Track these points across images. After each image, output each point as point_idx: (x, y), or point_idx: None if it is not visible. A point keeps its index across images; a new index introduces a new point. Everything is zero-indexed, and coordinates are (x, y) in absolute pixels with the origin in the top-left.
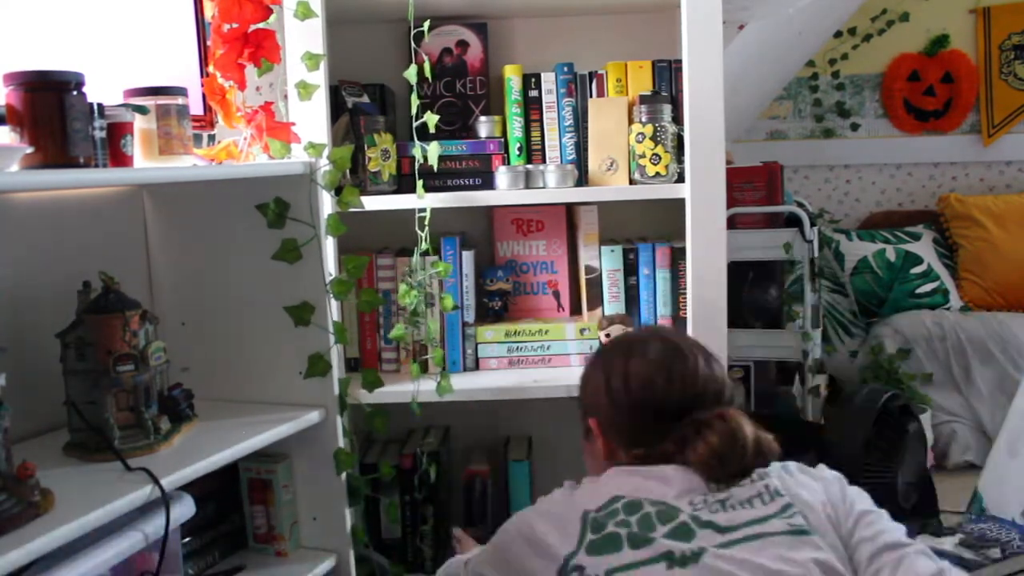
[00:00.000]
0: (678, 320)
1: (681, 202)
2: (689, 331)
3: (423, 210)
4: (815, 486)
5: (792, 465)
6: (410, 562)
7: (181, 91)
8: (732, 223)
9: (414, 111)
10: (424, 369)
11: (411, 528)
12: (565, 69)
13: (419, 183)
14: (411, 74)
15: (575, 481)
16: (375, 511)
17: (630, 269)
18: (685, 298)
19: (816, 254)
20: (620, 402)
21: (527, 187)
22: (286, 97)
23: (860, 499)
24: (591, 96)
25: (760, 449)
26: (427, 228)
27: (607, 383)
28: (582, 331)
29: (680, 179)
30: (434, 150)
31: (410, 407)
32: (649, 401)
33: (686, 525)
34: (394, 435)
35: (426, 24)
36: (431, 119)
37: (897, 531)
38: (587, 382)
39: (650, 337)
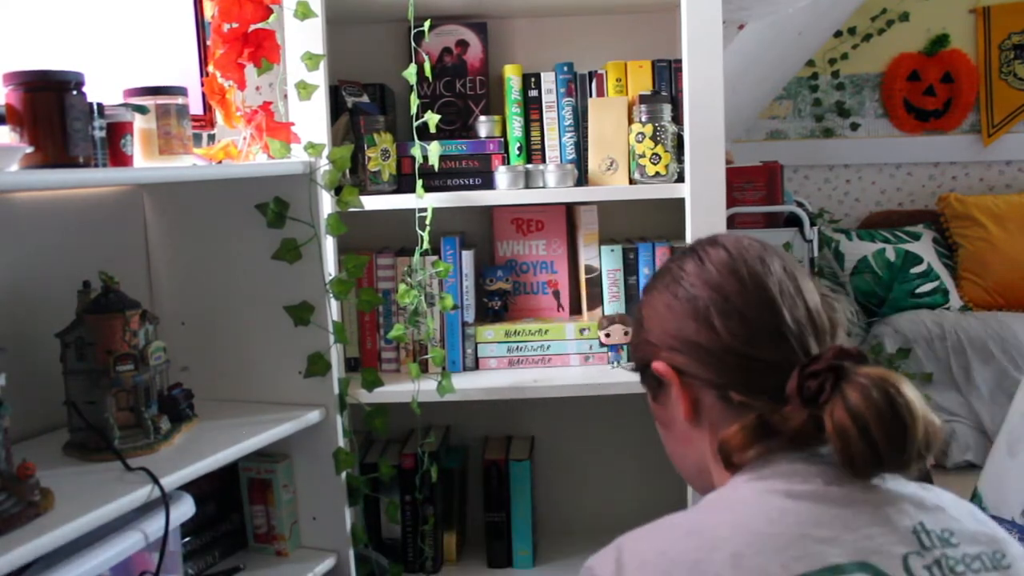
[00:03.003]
0: None
1: (681, 202)
2: None
3: (424, 210)
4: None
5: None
6: (411, 562)
7: (181, 91)
8: (732, 223)
9: (414, 111)
10: (424, 369)
11: (412, 528)
12: (565, 69)
13: (419, 183)
14: (411, 74)
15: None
16: (376, 511)
17: (630, 269)
18: None
19: (816, 254)
20: (700, 304)
21: (527, 187)
22: (286, 97)
23: None
24: (591, 96)
25: (928, 434)
26: (429, 228)
27: (675, 279)
28: (582, 331)
29: (680, 179)
30: (435, 150)
31: (410, 407)
32: (763, 304)
33: None
34: (396, 435)
35: (426, 24)
36: (432, 119)
37: None
38: (651, 305)
39: (735, 237)
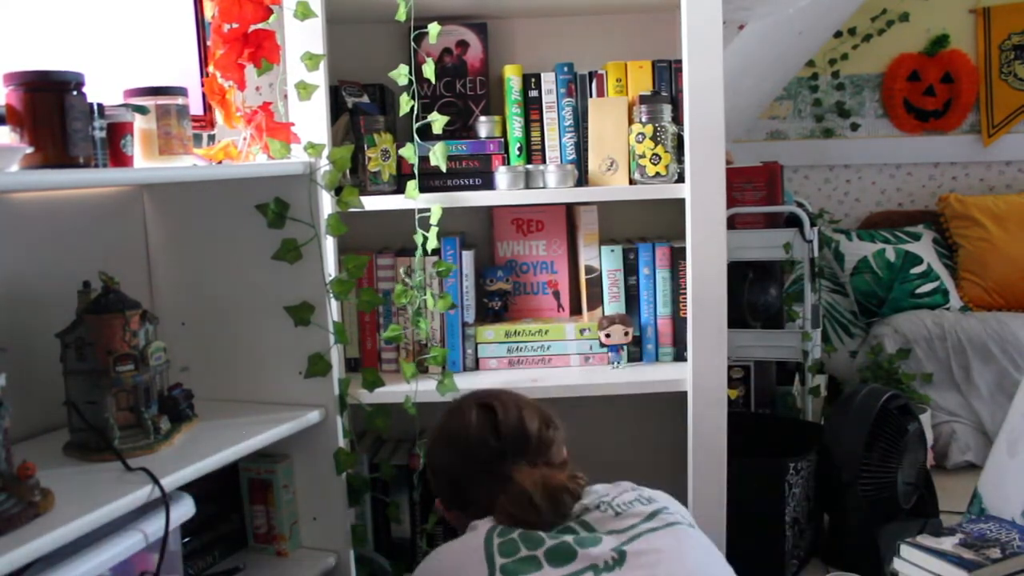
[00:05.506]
0: (678, 320)
1: (681, 202)
2: (689, 331)
3: (426, 210)
4: (668, 498)
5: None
6: (419, 562)
7: (181, 91)
8: (732, 223)
9: (403, 111)
10: (424, 369)
11: (420, 528)
12: (565, 69)
13: (410, 184)
14: (399, 75)
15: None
16: (385, 511)
17: (630, 269)
18: (685, 298)
19: (816, 254)
20: (443, 464)
21: (527, 187)
22: (286, 97)
23: None
24: (591, 96)
25: (555, 498)
26: (435, 228)
27: (433, 453)
28: (582, 331)
29: (680, 179)
30: (441, 151)
31: (405, 407)
32: (462, 452)
33: (593, 534)
34: (405, 435)
35: (434, 29)
36: (438, 120)
37: None
38: (427, 466)
39: (460, 403)
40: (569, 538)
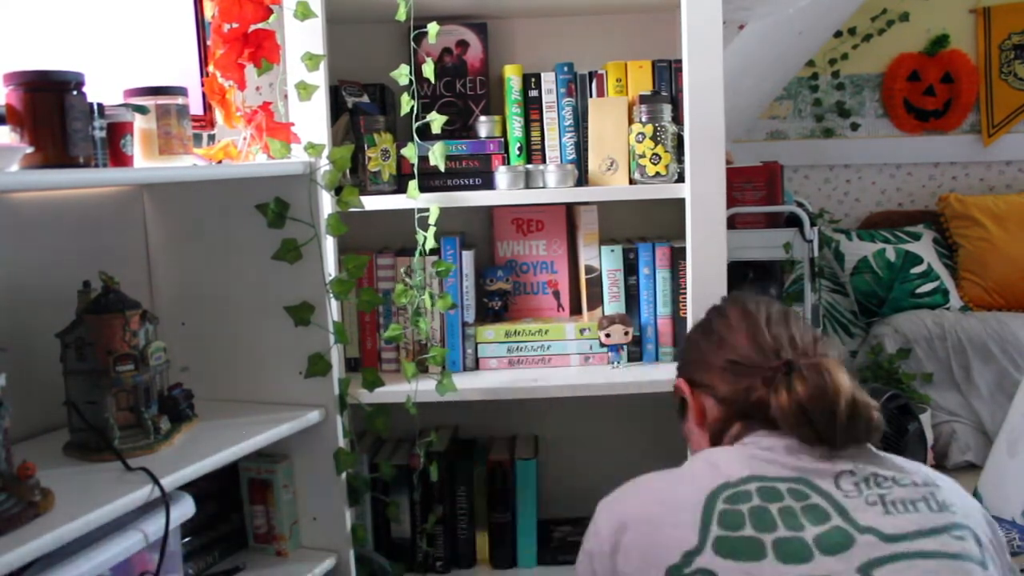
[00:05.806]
0: (678, 320)
1: (681, 202)
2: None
3: (424, 210)
4: (976, 509)
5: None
6: (420, 562)
7: (181, 91)
8: (732, 223)
9: (404, 111)
10: (424, 369)
11: (420, 528)
12: (565, 69)
13: (411, 183)
14: (400, 75)
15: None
16: (385, 511)
17: (630, 269)
18: (685, 298)
19: (816, 254)
20: (714, 337)
21: (527, 187)
22: (286, 97)
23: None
24: (591, 96)
25: (856, 412)
26: (433, 228)
27: (702, 325)
28: (582, 331)
29: (680, 179)
30: (440, 151)
31: (405, 407)
32: (746, 328)
33: (842, 530)
34: (405, 435)
35: (433, 29)
36: (437, 120)
37: None
38: (686, 340)
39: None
40: (809, 533)
